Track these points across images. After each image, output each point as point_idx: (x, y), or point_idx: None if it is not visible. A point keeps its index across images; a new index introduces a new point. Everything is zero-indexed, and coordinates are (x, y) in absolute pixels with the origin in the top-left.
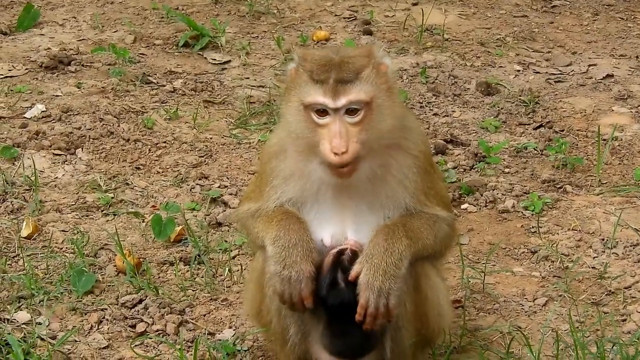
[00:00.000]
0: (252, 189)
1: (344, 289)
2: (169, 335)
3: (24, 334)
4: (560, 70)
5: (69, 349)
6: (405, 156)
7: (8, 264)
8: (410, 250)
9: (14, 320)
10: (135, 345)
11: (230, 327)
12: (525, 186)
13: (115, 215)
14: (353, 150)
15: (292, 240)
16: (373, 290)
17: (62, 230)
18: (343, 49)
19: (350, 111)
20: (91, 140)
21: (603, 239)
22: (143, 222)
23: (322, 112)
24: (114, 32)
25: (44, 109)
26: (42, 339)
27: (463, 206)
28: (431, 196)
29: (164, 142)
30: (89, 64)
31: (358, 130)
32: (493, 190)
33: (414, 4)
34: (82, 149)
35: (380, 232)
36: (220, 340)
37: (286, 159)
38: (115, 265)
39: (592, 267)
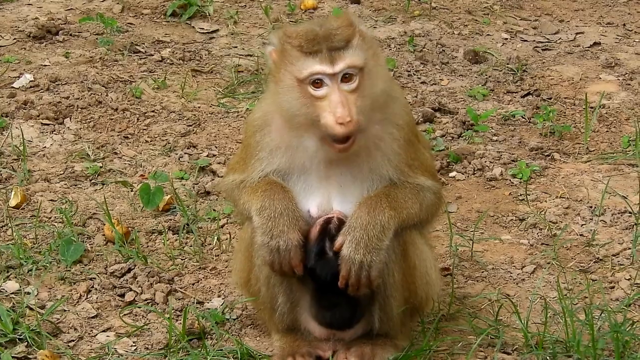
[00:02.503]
0: (237, 160)
1: (332, 258)
2: (157, 304)
3: (13, 303)
4: (547, 38)
5: (58, 319)
6: (390, 127)
7: None
8: (394, 221)
9: (2, 290)
10: (124, 314)
11: (219, 296)
12: (513, 154)
13: (103, 184)
14: (356, 118)
15: (277, 210)
16: (354, 263)
17: (51, 200)
18: (324, 21)
19: (346, 78)
20: (79, 109)
21: (591, 207)
22: (131, 191)
23: (319, 83)
24: (102, 1)
25: (32, 79)
26: (30, 309)
27: (451, 174)
28: (415, 167)
29: (152, 111)
30: (76, 34)
31: (355, 98)
32: (481, 158)
33: None
34: (70, 118)
35: (363, 204)
36: (209, 309)
37: (271, 132)
38: (103, 235)
39: (580, 235)
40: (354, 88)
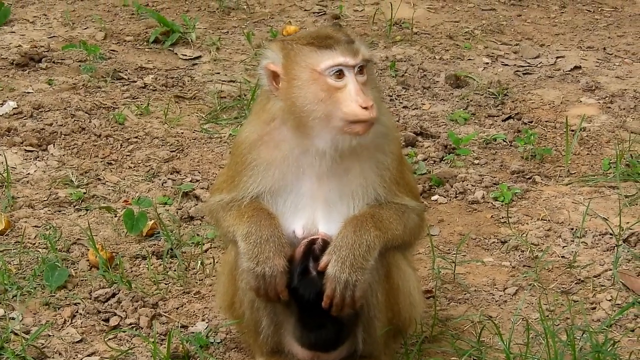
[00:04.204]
0: (224, 179)
1: (315, 278)
2: (142, 328)
3: None
4: (528, 63)
5: (43, 344)
6: (384, 138)
7: None
8: (380, 241)
9: None
10: (109, 339)
11: (203, 320)
12: (494, 177)
13: (87, 210)
14: (374, 105)
15: (264, 236)
16: (339, 282)
17: (35, 226)
18: (313, 30)
19: (359, 71)
20: (63, 136)
21: (572, 229)
22: (115, 216)
23: (340, 74)
24: (85, 29)
25: (16, 106)
26: (15, 334)
27: (433, 197)
28: (402, 186)
29: (136, 137)
30: (59, 61)
31: (367, 89)
32: (463, 181)
33: None
34: (54, 145)
35: (349, 224)
36: (193, 332)
37: (267, 147)
38: (88, 260)
39: (562, 256)
40: (365, 80)
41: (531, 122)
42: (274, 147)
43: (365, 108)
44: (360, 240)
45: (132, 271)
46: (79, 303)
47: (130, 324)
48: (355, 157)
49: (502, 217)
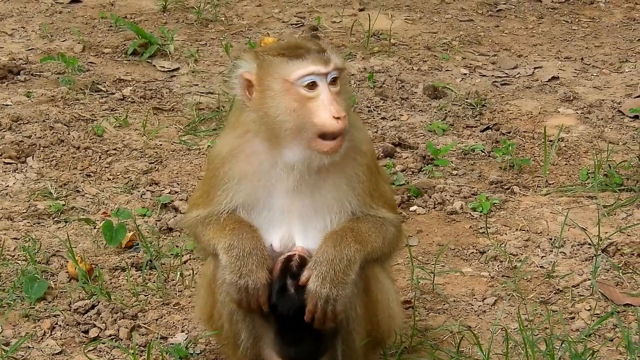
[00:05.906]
0: (200, 194)
1: (293, 295)
2: (121, 340)
3: None
4: (506, 73)
5: (23, 355)
6: (353, 152)
7: None
8: (360, 255)
9: None
10: (89, 351)
11: (182, 331)
12: (473, 188)
13: (66, 222)
14: (345, 114)
15: (246, 249)
16: (321, 297)
17: (14, 238)
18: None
19: (332, 82)
20: (42, 148)
21: (551, 239)
22: (94, 228)
23: (312, 84)
24: (63, 41)
25: None
26: None
27: (412, 208)
28: (377, 198)
29: (114, 149)
30: (38, 73)
31: (340, 100)
32: (441, 192)
33: (361, 10)
34: (33, 157)
35: (329, 239)
36: (172, 344)
37: (239, 161)
38: (67, 272)
39: (540, 267)
40: (338, 90)
41: (509, 132)
42: (246, 160)
43: (338, 118)
44: (341, 255)
45: (111, 283)
46: (58, 315)
47: (110, 335)
48: (325, 171)
49: (481, 228)
